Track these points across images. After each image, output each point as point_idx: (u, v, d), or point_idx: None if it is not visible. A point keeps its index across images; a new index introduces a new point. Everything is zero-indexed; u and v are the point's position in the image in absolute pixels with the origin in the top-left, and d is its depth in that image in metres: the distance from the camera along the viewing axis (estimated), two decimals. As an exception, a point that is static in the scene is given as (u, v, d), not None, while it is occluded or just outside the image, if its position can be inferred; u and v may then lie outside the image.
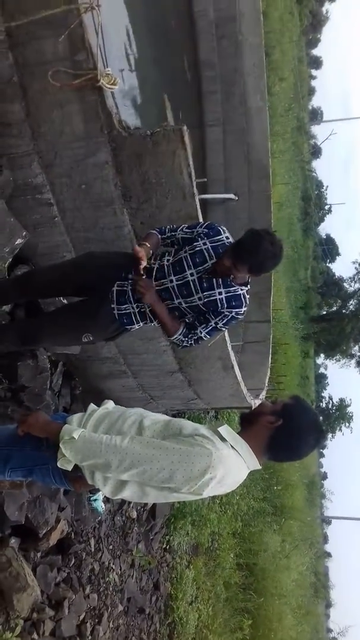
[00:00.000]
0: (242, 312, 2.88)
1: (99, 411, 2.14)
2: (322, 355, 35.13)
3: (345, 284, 32.91)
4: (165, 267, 2.85)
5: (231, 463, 1.92)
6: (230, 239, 2.89)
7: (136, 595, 5.03)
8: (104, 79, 2.76)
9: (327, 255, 44.20)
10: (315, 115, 44.16)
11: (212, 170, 8.53)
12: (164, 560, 5.99)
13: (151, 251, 2.82)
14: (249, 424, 2.08)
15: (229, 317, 2.86)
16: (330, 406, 38.47)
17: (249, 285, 2.89)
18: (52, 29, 2.68)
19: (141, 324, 2.97)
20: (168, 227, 2.96)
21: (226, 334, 3.95)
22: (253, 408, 2.24)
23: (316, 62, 44.20)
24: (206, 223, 2.95)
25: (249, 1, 7.82)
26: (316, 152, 40.66)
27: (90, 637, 3.90)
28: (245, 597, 8.30)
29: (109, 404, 2.24)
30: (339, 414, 36.98)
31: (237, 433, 2.04)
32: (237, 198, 8.40)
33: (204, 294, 2.81)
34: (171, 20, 8.05)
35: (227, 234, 2.90)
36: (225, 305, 2.83)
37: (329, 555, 37.65)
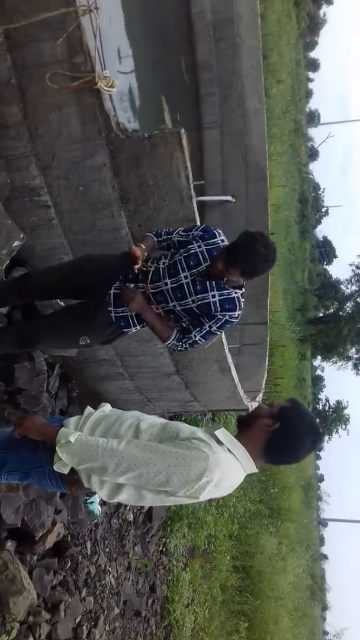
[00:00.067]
0: (235, 316, 2.86)
1: (95, 414, 2.14)
2: (319, 358, 35.09)
3: (342, 286, 32.86)
4: (161, 269, 2.85)
5: (228, 466, 1.92)
6: (226, 242, 2.88)
7: (132, 598, 5.02)
8: (101, 81, 2.76)
9: (324, 257, 44.27)
10: (313, 118, 44.20)
11: (209, 173, 8.54)
12: (160, 562, 5.98)
13: (146, 253, 2.81)
14: (246, 427, 2.08)
15: (223, 321, 2.84)
16: (327, 408, 38.45)
17: (243, 289, 2.88)
18: (51, 31, 2.69)
19: (138, 327, 2.97)
20: (164, 230, 2.96)
21: (223, 336, 3.94)
22: (250, 411, 2.24)
23: (313, 65, 44.21)
24: (202, 226, 2.96)
25: (247, 3, 7.83)
26: (313, 154, 40.81)
27: (86, 640, 3.89)
28: (241, 600, 8.30)
29: (106, 407, 2.23)
30: (336, 416, 36.95)
31: (234, 436, 2.04)
32: (234, 200, 8.40)
33: (198, 296, 2.80)
34: (169, 22, 8.06)
35: (223, 237, 2.90)
36: (219, 309, 2.81)
37: (325, 557, 37.61)
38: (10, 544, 3.29)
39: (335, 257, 47.11)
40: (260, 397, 7.30)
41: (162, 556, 6.04)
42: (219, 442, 1.95)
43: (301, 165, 30.77)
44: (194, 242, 2.86)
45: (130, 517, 5.20)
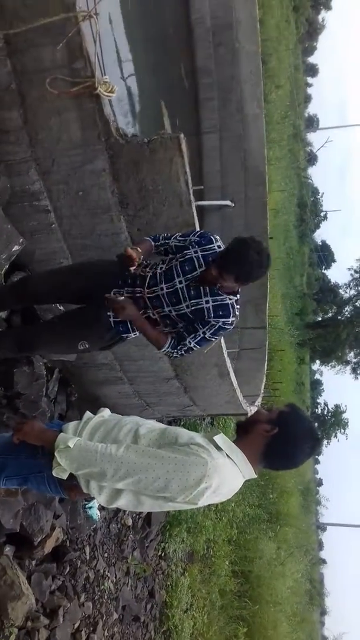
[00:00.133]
0: (229, 322, 2.83)
1: (94, 419, 2.13)
2: (318, 362, 35.11)
3: (340, 290, 32.91)
4: (158, 274, 2.85)
5: (226, 472, 1.92)
6: (222, 248, 2.88)
7: (131, 603, 5.00)
8: (101, 86, 2.77)
9: (323, 261, 44.33)
10: (312, 123, 44.34)
11: (208, 177, 8.56)
12: (159, 567, 5.97)
13: (142, 256, 2.80)
14: (245, 432, 2.08)
15: (217, 327, 2.81)
16: (325, 412, 38.46)
17: (238, 295, 2.85)
18: (51, 36, 2.69)
19: (137, 332, 2.97)
20: (162, 235, 2.96)
21: (222, 340, 3.95)
22: (249, 415, 2.24)
23: (312, 70, 44.37)
24: (199, 232, 2.95)
25: (246, 9, 7.87)
26: (312, 159, 40.87)
27: (84, 646, 3.87)
28: (240, 605, 8.28)
29: (105, 412, 2.23)
30: (335, 420, 36.97)
31: (233, 441, 2.03)
32: (233, 205, 8.42)
33: (192, 302, 2.79)
34: (169, 28, 8.10)
35: (219, 243, 2.89)
36: (212, 315, 2.79)
37: (324, 562, 37.54)
38: (8, 549, 3.28)
39: (334, 261, 47.18)
40: (259, 401, 7.30)
41: (160, 561, 6.03)
42: (218, 448, 1.95)
43: (300, 169, 30.84)
44: (191, 247, 2.86)
45: (129, 521, 5.19)
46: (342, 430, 36.48)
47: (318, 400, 41.70)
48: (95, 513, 2.71)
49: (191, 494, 1.85)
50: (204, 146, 8.55)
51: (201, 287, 2.79)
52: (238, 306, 2.86)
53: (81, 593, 4.06)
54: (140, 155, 2.97)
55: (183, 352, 2.89)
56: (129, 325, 2.93)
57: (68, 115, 2.90)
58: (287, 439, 2.01)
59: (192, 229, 3.07)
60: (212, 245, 2.85)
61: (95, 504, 2.48)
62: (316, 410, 38.51)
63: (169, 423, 5.75)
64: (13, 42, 2.74)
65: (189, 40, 8.16)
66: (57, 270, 3.33)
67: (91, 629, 4.09)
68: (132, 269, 2.77)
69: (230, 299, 2.81)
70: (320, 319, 31.75)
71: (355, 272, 29.43)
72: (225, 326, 2.83)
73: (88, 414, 2.18)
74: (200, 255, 2.82)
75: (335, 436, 36.33)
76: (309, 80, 43.38)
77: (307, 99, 42.31)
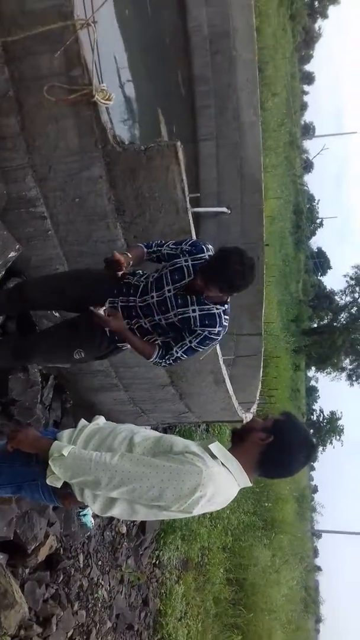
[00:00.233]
0: (216, 332, 2.80)
1: (89, 427, 2.13)
2: (313, 368, 35.15)
3: (336, 297, 32.97)
4: (149, 283, 2.86)
5: (221, 481, 1.91)
6: None
7: (125, 611, 4.97)
8: (99, 94, 2.78)
9: (319, 268, 44.45)
10: (308, 130, 44.63)
11: (205, 184, 8.59)
12: (153, 575, 5.94)
13: (131, 261, 2.78)
14: (240, 441, 2.07)
15: (202, 336, 2.79)
16: (321, 419, 38.47)
17: (226, 305, 2.82)
18: (49, 44, 2.70)
19: None
20: (155, 242, 2.95)
21: (218, 347, 3.94)
22: (244, 423, 2.24)
23: (308, 78, 44.70)
24: (192, 240, 2.93)
25: (243, 17, 7.93)
26: (308, 166, 41.11)
27: (78, 655, 3.85)
28: (235, 613, 8.24)
29: (100, 420, 2.23)
30: (330, 427, 36.96)
31: (228, 449, 2.03)
32: (229, 211, 8.44)
33: (179, 310, 2.78)
34: (166, 36, 8.14)
35: (211, 253, 2.87)
36: (199, 324, 2.77)
37: (319, 569, 37.41)
38: (2, 557, 3.26)
39: (330, 268, 47.36)
40: (254, 408, 7.30)
41: (155, 569, 6.00)
42: (213, 456, 1.94)
43: (296, 177, 30.97)
44: (182, 256, 2.85)
45: (124, 529, 5.17)
46: (338, 437, 36.46)
47: (313, 407, 41.74)
48: (89, 520, 2.69)
49: (186, 503, 1.84)
50: (200, 153, 8.58)
51: (188, 296, 2.78)
52: (226, 317, 2.82)
53: (75, 601, 4.03)
54: (137, 162, 2.98)
55: (171, 361, 2.88)
56: None
57: (65, 122, 2.90)
58: (282, 447, 2.00)
59: (185, 238, 3.05)
60: (203, 255, 2.83)
61: (89, 511, 2.47)
62: (312, 416, 38.51)
63: (164, 430, 5.74)
64: (11, 50, 2.75)
65: (186, 48, 8.21)
66: (53, 276, 3.32)
67: (85, 637, 4.06)
68: (119, 273, 2.75)
69: (217, 309, 2.78)
70: (315, 325, 31.82)
71: (351, 278, 29.49)
72: (212, 336, 2.80)
73: (83, 421, 2.17)
74: (190, 265, 2.80)
75: (331, 443, 36.32)
76: (305, 88, 43.77)
77: (304, 106, 42.63)
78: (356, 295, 29.22)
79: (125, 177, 3.04)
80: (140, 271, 2.98)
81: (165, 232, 3.18)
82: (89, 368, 4.19)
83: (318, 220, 44.41)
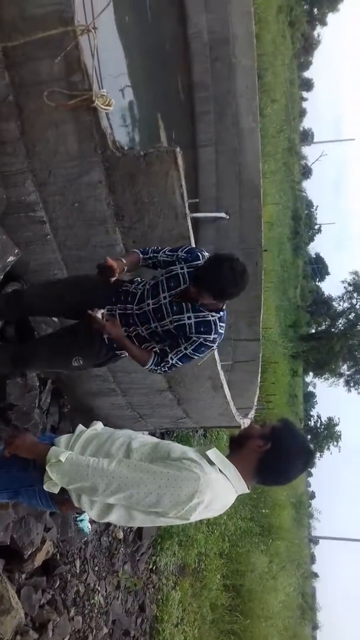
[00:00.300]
0: (211, 339, 2.79)
1: (87, 432, 2.12)
2: (311, 374, 35.13)
3: (334, 303, 32.97)
4: (146, 290, 2.86)
5: (219, 487, 1.91)
6: None
7: (121, 617, 4.95)
8: (99, 100, 2.79)
9: (317, 274, 44.50)
10: (306, 137, 44.74)
11: (204, 190, 8.59)
12: (150, 581, 5.91)
13: (125, 267, 2.77)
14: (238, 447, 2.07)
15: (198, 343, 2.78)
16: (318, 425, 38.42)
17: (222, 312, 2.81)
18: (49, 50, 2.72)
19: None
20: (152, 248, 2.94)
21: (216, 353, 3.94)
22: (242, 429, 2.23)
23: (307, 85, 44.84)
24: (188, 247, 2.93)
25: (243, 24, 7.95)
26: (307, 172, 41.24)
27: (73, 661, 3.83)
28: (231, 619, 8.21)
29: (98, 425, 2.22)
30: (327, 433, 36.90)
31: (226, 456, 2.03)
32: (228, 217, 8.45)
33: (174, 317, 2.78)
34: (166, 42, 8.17)
35: None
36: (194, 331, 2.76)
37: (316, 575, 37.29)
38: (-2, 562, 3.25)
39: (328, 274, 47.38)
40: (252, 413, 7.28)
41: (151, 575, 5.98)
42: (211, 463, 1.93)
43: (294, 183, 31.06)
44: (177, 263, 2.84)
45: (121, 535, 5.15)
46: (335, 443, 36.40)
47: (311, 413, 41.67)
48: (86, 526, 2.69)
49: (183, 510, 1.83)
50: (199, 159, 8.59)
51: (184, 304, 2.78)
52: (222, 324, 2.82)
53: (71, 607, 4.01)
54: (136, 167, 2.99)
55: (166, 368, 2.88)
56: None
57: (65, 127, 2.91)
58: (279, 454, 2.00)
59: (181, 244, 3.04)
60: (198, 262, 2.82)
61: (86, 516, 2.47)
62: (309, 422, 38.45)
63: (162, 435, 5.73)
64: (11, 55, 2.76)
65: (186, 55, 8.23)
66: (52, 282, 3.32)
67: (81, 643, 4.05)
68: (111, 279, 2.75)
69: (212, 316, 2.78)
70: (313, 331, 31.81)
71: (349, 284, 29.54)
72: (207, 343, 2.80)
73: (80, 427, 2.17)
74: (185, 272, 2.80)
75: (328, 449, 36.26)
76: (304, 94, 43.87)
77: (302, 113, 42.76)
78: (354, 301, 29.28)
79: (124, 182, 3.05)
80: (139, 279, 2.98)
81: (164, 237, 3.19)
82: (87, 373, 4.18)
83: (316, 226, 44.48)
